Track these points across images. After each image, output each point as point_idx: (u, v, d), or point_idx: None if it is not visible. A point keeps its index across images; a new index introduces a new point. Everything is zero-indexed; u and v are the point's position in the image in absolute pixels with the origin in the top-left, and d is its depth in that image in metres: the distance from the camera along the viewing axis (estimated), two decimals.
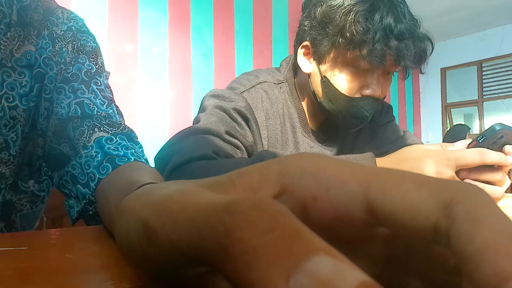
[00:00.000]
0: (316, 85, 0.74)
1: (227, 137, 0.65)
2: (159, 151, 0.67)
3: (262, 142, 0.73)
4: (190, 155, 0.59)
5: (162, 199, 0.14)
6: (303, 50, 0.75)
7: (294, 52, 0.79)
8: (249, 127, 0.71)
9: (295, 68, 0.80)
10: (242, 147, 0.68)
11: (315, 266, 0.08)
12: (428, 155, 0.57)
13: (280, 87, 0.78)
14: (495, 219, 0.10)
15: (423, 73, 0.74)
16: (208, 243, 0.10)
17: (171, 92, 3.00)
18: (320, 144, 0.80)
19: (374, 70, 0.68)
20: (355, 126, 0.75)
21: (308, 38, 0.74)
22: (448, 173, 0.54)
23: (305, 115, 0.79)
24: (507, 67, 5.21)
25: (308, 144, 0.79)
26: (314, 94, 0.75)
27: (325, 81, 0.71)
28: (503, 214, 0.10)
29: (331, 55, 0.70)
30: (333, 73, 0.70)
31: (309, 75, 0.76)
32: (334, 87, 0.70)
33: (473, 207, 0.10)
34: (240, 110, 0.69)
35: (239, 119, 0.69)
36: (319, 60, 0.72)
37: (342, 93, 0.70)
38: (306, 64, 0.75)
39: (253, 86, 0.74)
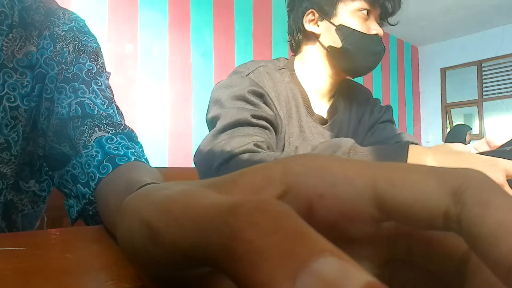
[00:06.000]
0: (331, 39, 0.82)
1: (254, 120, 0.69)
2: (197, 155, 0.71)
3: (279, 113, 0.78)
4: (232, 152, 0.62)
5: (165, 199, 0.14)
6: (308, 17, 0.85)
7: (295, 28, 0.87)
8: (265, 102, 0.76)
9: (292, 60, 0.88)
10: (269, 126, 0.73)
11: (320, 267, 0.08)
12: (475, 157, 0.58)
13: (282, 72, 0.85)
14: (503, 200, 0.10)
15: (393, 25, 0.86)
16: (212, 244, 0.10)
17: (171, 92, 3.00)
18: (323, 126, 0.85)
19: (372, 12, 0.81)
20: (374, 64, 0.83)
21: (311, 6, 0.84)
22: (500, 180, 0.54)
23: (308, 97, 0.84)
24: (507, 67, 5.21)
25: (311, 124, 0.83)
26: (329, 51, 0.82)
27: (341, 28, 0.81)
28: (509, 195, 0.10)
29: (337, 9, 0.81)
30: (345, 21, 0.81)
31: (318, 39, 0.84)
32: (352, 28, 0.80)
33: (481, 191, 0.11)
34: (253, 90, 0.74)
35: (255, 100, 0.73)
36: (329, 17, 0.82)
37: (360, 31, 0.80)
38: (315, 28, 0.84)
39: (256, 68, 0.80)
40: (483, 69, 5.42)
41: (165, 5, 3.02)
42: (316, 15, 0.83)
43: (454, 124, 4.91)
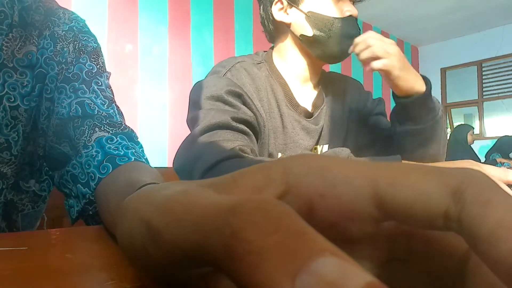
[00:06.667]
0: (302, 27, 0.78)
1: (235, 124, 0.66)
2: (176, 160, 0.68)
3: (259, 112, 0.74)
4: (216, 158, 0.59)
5: (165, 199, 0.14)
6: (277, 6, 0.81)
7: (265, 18, 0.84)
8: (243, 102, 0.73)
9: (270, 53, 0.85)
10: (249, 131, 0.70)
11: (320, 266, 0.08)
12: (463, 163, 0.59)
13: (260, 67, 0.81)
14: (503, 199, 0.10)
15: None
16: (212, 244, 0.10)
17: (171, 92, 3.00)
18: (307, 119, 0.82)
19: None
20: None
21: None
22: None
23: (289, 89, 0.81)
24: (507, 67, 5.21)
25: (294, 118, 0.80)
26: (302, 40, 0.79)
27: (310, 15, 0.77)
28: (509, 195, 0.10)
29: None
30: (315, 6, 0.77)
31: (289, 28, 0.80)
32: (321, 14, 0.76)
33: (481, 191, 0.11)
34: (231, 90, 0.71)
35: (233, 101, 0.70)
36: (297, 3, 0.78)
37: (330, 16, 0.76)
38: (285, 17, 0.80)
39: (233, 65, 0.77)
40: (483, 69, 5.42)
41: (165, 5, 3.02)
42: (285, 3, 0.79)
43: (456, 124, 4.82)
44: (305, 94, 0.84)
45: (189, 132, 0.70)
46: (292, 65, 0.83)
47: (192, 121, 0.70)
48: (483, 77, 5.44)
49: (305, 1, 0.78)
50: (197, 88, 0.74)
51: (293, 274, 0.08)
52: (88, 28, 0.55)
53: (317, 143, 0.83)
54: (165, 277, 0.15)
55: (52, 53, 0.50)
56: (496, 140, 4.30)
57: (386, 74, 0.73)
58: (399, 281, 0.15)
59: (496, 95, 5.36)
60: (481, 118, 5.46)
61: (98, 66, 0.52)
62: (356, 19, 0.79)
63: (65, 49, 0.50)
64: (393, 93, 0.77)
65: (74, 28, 0.52)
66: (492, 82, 5.39)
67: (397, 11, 4.50)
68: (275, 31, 0.84)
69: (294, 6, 0.78)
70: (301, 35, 0.78)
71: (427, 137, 0.76)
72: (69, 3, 2.50)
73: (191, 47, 3.16)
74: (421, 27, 5.06)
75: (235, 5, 3.48)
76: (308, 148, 0.81)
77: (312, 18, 0.77)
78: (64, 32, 0.51)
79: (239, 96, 0.72)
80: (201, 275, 0.14)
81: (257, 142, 0.74)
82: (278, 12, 0.80)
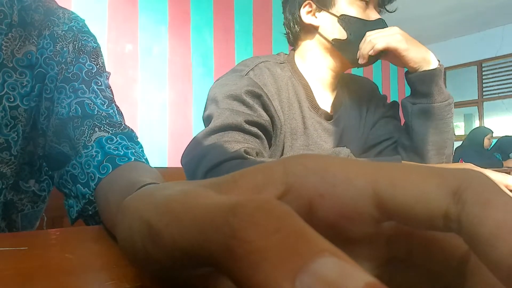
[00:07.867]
0: (334, 30, 0.79)
1: (247, 126, 0.67)
2: (185, 156, 0.68)
3: (277, 114, 0.74)
4: (221, 158, 0.60)
5: (165, 199, 0.14)
6: (305, 9, 0.82)
7: (292, 20, 0.84)
8: (262, 103, 0.73)
9: (292, 55, 0.86)
10: (261, 135, 0.70)
11: (320, 267, 0.08)
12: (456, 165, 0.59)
13: (283, 67, 0.82)
14: (503, 200, 0.10)
15: (391, 12, 0.85)
16: (213, 244, 0.10)
17: (171, 92, 3.00)
18: (328, 122, 0.82)
19: (371, 1, 0.80)
20: None
21: None
22: None
23: (311, 91, 0.82)
24: (507, 67, 5.21)
25: (315, 120, 0.80)
26: (335, 44, 0.79)
27: (343, 18, 0.78)
28: (509, 196, 0.10)
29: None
30: (344, 10, 0.79)
31: (317, 31, 0.81)
32: (355, 17, 0.78)
33: (481, 191, 0.11)
34: (250, 90, 0.71)
35: (251, 102, 0.70)
36: (328, 7, 0.80)
37: (364, 19, 0.78)
38: (314, 20, 0.81)
39: (256, 65, 0.77)
40: (483, 69, 5.42)
41: (165, 5, 3.02)
42: (314, 6, 0.81)
43: (474, 127, 4.57)
44: (324, 96, 0.85)
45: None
46: (313, 67, 0.83)
47: (207, 118, 0.71)
48: (483, 77, 5.43)
49: (336, 6, 0.79)
50: (217, 85, 0.74)
51: (293, 274, 0.08)
52: (87, 28, 0.55)
53: (337, 145, 0.83)
54: (165, 277, 0.15)
55: (51, 53, 0.50)
56: (496, 140, 4.26)
57: (395, 52, 0.75)
58: (399, 282, 0.15)
59: (496, 95, 5.35)
60: (481, 118, 5.46)
61: (97, 66, 0.52)
62: (385, 22, 0.80)
63: (64, 49, 0.50)
64: (406, 73, 0.78)
65: (74, 28, 0.52)
66: (492, 82, 5.38)
67: (397, 11, 4.50)
68: (301, 33, 0.84)
69: (324, 10, 0.80)
70: (334, 39, 0.79)
71: (437, 118, 0.76)
72: (69, 3, 2.49)
73: (191, 47, 3.16)
74: (421, 27, 5.06)
75: (235, 5, 3.48)
76: (329, 150, 0.82)
77: (346, 20, 0.78)
78: (63, 32, 0.51)
79: (258, 97, 0.72)
80: (201, 275, 0.14)
81: (271, 145, 0.74)
82: (307, 15, 0.82)
